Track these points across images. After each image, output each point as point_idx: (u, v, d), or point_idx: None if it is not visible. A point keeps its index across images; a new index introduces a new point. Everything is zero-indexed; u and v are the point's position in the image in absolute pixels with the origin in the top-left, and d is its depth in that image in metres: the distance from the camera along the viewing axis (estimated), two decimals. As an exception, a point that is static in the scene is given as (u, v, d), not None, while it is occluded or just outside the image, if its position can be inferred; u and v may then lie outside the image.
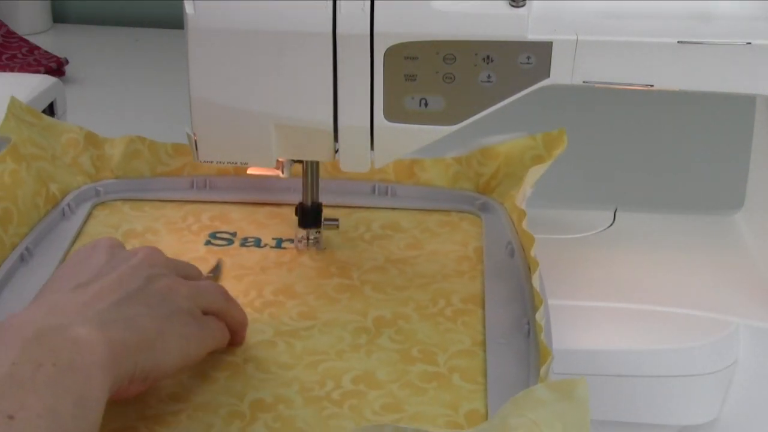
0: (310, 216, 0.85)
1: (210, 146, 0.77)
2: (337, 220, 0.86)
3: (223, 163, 0.78)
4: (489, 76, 0.73)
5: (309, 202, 0.84)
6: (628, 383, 0.79)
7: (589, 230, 0.92)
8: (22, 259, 0.82)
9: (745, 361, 0.81)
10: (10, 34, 1.51)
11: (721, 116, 1.32)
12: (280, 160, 0.80)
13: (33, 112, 0.91)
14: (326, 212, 0.87)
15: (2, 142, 0.87)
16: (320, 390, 0.70)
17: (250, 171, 0.83)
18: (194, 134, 0.77)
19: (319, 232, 0.86)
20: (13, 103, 0.90)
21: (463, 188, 0.93)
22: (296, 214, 0.85)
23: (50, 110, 1.07)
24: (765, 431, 0.83)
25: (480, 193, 0.93)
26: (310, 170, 0.83)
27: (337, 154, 0.77)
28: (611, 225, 0.93)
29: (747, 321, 0.81)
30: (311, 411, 0.68)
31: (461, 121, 0.75)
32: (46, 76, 1.12)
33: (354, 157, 0.77)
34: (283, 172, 0.81)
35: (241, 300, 0.79)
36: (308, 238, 0.85)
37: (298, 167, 0.84)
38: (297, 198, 0.86)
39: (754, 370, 0.81)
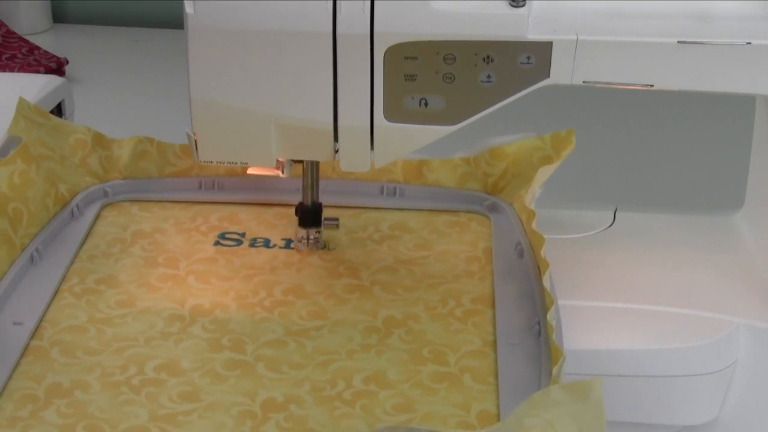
0: (309, 216, 0.85)
1: (210, 146, 0.77)
2: (337, 219, 0.86)
3: (224, 163, 0.78)
4: (489, 76, 0.73)
5: (309, 202, 0.84)
6: (628, 383, 0.79)
7: (589, 230, 0.92)
8: (32, 259, 0.82)
9: (745, 361, 0.81)
10: (10, 34, 1.51)
11: (721, 116, 1.32)
12: (280, 160, 0.80)
13: (41, 112, 0.91)
14: (334, 212, 0.87)
15: (10, 143, 0.87)
16: (331, 390, 0.70)
17: (249, 171, 0.83)
18: (194, 134, 0.77)
19: (319, 231, 0.86)
20: (22, 103, 0.89)
21: (472, 189, 0.93)
22: (296, 213, 0.85)
23: (58, 111, 1.07)
24: (765, 431, 0.83)
25: (488, 193, 0.93)
26: (310, 171, 0.83)
27: (337, 154, 0.77)
28: (611, 225, 0.93)
29: (747, 321, 0.81)
30: (323, 411, 0.68)
31: (461, 121, 0.75)
32: (53, 76, 1.11)
33: (354, 157, 0.77)
34: (283, 172, 0.81)
35: (250, 300, 0.79)
36: (308, 238, 0.86)
37: (298, 167, 0.84)
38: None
39: (754, 370, 0.81)
